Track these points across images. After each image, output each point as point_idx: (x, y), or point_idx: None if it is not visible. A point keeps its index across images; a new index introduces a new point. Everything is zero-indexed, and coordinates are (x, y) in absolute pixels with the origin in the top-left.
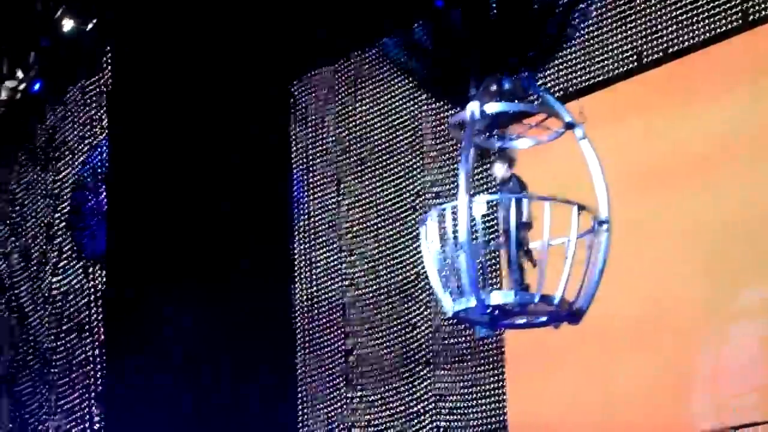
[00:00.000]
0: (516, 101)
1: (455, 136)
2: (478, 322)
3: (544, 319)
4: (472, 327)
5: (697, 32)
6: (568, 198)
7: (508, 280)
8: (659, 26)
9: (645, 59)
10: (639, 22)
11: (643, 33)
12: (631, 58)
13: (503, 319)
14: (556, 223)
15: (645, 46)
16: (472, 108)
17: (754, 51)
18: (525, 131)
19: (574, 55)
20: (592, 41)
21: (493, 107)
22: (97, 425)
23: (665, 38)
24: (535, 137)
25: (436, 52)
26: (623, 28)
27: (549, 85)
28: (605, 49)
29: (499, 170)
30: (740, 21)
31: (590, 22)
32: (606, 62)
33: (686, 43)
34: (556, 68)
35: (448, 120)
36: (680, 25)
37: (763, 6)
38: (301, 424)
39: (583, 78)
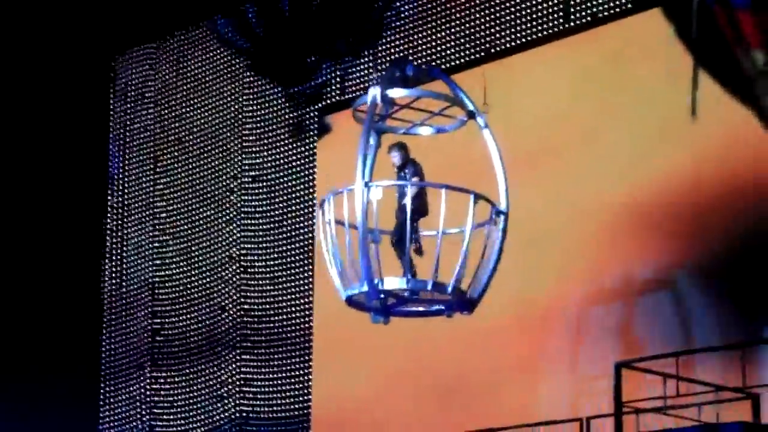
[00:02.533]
0: (418, 88)
1: (358, 119)
2: (371, 309)
3: (438, 307)
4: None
5: (521, 34)
6: (464, 186)
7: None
8: (484, 27)
9: (467, 58)
10: (463, 21)
11: (466, 33)
12: (455, 56)
13: (397, 306)
14: (459, 213)
15: (467, 46)
16: (373, 93)
17: (575, 54)
18: (427, 118)
19: (401, 46)
20: (414, 37)
21: (396, 92)
22: None
23: (488, 39)
24: (438, 125)
25: (265, 32)
26: (446, 26)
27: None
28: (427, 45)
29: (395, 157)
30: (561, 26)
31: (411, 15)
32: (428, 57)
33: (508, 45)
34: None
35: (351, 104)
36: (504, 27)
37: (584, 13)
38: (102, 402)
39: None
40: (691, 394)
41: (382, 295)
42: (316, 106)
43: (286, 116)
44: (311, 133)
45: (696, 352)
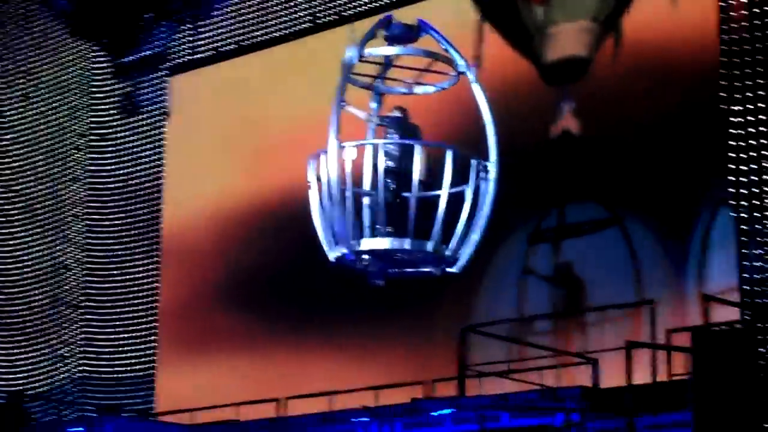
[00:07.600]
0: (403, 45)
1: (350, 79)
2: (361, 270)
3: (428, 268)
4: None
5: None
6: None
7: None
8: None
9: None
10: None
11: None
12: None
13: (387, 267)
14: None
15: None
16: (350, 54)
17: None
18: (420, 76)
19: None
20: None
21: (379, 50)
22: None
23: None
24: (433, 83)
25: None
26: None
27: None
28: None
29: (391, 114)
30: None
31: None
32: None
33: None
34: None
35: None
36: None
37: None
38: None
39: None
40: (534, 358)
41: (365, 256)
42: (160, 72)
43: (125, 85)
44: (145, 108)
45: (536, 318)
